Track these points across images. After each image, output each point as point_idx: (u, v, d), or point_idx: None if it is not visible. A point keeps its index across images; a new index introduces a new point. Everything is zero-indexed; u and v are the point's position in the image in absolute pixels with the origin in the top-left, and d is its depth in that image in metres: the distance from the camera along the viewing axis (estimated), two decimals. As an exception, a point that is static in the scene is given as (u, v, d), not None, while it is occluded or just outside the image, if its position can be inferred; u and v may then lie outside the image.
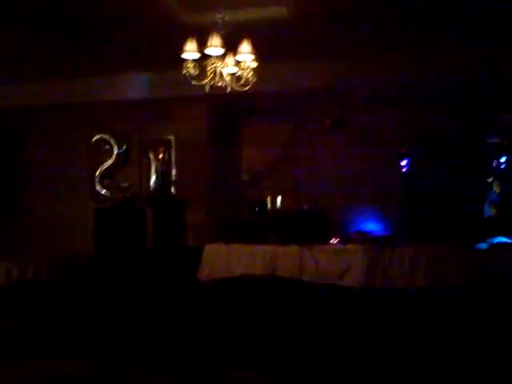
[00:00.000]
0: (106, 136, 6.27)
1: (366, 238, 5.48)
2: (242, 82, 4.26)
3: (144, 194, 6.31)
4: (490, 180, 6.60)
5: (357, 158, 6.41)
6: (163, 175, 6.48)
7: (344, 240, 5.53)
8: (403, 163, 6.49)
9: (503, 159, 6.71)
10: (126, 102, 6.46)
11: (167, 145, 6.52)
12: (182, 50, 4.18)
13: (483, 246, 5.21)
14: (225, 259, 5.61)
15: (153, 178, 6.40)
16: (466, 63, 5.88)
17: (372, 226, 5.85)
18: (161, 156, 6.50)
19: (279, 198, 6.15)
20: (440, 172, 6.24)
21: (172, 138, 6.58)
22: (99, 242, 5.91)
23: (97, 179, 6.22)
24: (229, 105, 6.35)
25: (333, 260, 5.35)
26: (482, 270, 4.94)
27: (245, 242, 5.63)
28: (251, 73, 4.20)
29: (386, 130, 6.46)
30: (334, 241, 5.53)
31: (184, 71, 4.13)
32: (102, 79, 6.21)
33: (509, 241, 5.17)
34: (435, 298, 4.99)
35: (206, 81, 4.17)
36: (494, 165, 6.64)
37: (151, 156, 6.46)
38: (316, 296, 5.34)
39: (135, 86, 6.19)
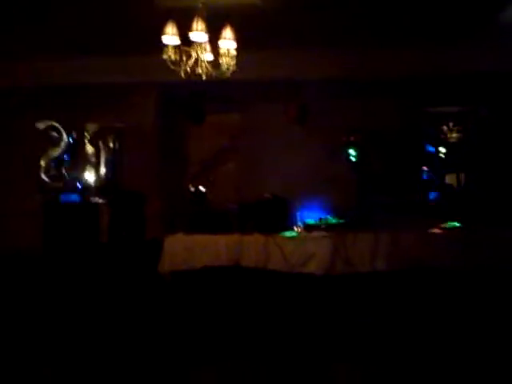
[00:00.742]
0: (54, 123, 5.85)
1: (327, 225, 5.63)
2: (223, 69, 4.21)
3: (96, 185, 5.99)
4: (429, 168, 7.17)
5: (312, 147, 6.57)
6: (113, 165, 6.18)
7: (306, 228, 5.66)
8: (353, 152, 6.78)
9: (442, 149, 7.27)
10: (77, 87, 6.11)
11: (118, 133, 6.21)
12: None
13: (436, 230, 5.60)
14: (187, 251, 5.47)
15: (103, 169, 6.07)
16: (408, 59, 6.27)
17: (329, 214, 6.03)
18: (111, 145, 6.19)
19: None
20: (386, 160, 6.61)
21: (123, 126, 6.27)
22: (49, 236, 5.54)
23: (43, 169, 5.80)
24: (180, 95, 6.21)
25: (297, 248, 5.49)
26: (438, 254, 5.37)
27: (207, 232, 5.59)
28: (233, 60, 4.16)
29: (337, 120, 6.66)
30: (298, 229, 5.64)
31: (164, 56, 4.00)
32: (55, 62, 5.79)
33: (458, 225, 5.59)
34: (395, 281, 5.33)
35: (186, 67, 4.07)
36: (434, 153, 7.23)
37: (101, 145, 6.13)
38: (280, 284, 5.45)
39: (87, 70, 5.86)
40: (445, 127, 7.54)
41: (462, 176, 7.22)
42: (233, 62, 4.23)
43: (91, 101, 6.27)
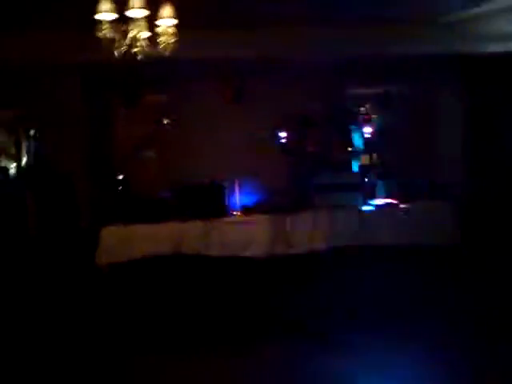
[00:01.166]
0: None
1: (267, 208, 5.63)
2: (161, 48, 4.01)
3: (21, 174, 5.50)
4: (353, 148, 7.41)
5: (249, 129, 6.49)
6: (37, 152, 5.71)
7: (245, 212, 5.62)
8: (283, 134, 6.81)
9: (367, 129, 7.52)
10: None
11: (39, 118, 5.73)
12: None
13: (371, 207, 5.82)
14: (124, 242, 5.26)
15: (26, 156, 5.59)
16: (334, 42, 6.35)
17: (267, 196, 6.05)
18: (32, 132, 5.71)
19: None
20: (318, 141, 6.73)
21: (45, 110, 5.79)
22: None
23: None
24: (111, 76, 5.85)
25: (237, 232, 5.46)
26: (372, 231, 5.58)
27: (144, 221, 5.38)
28: (172, 38, 3.98)
29: (272, 102, 6.64)
30: (236, 213, 5.59)
31: (99, 34, 3.73)
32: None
33: (393, 202, 5.85)
34: (334, 260, 5.47)
35: (122, 46, 3.83)
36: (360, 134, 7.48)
37: (21, 131, 5.63)
38: (222, 269, 5.39)
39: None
40: (366, 108, 7.86)
41: (374, 156, 7.58)
42: (172, 41, 4.06)
43: (8, 83, 5.73)
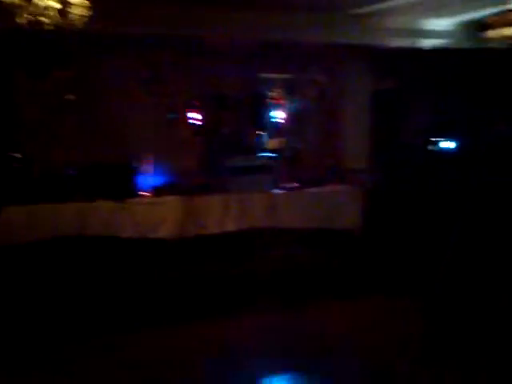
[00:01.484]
0: None
1: (178, 189, 5.55)
2: (72, 18, 3.79)
3: None
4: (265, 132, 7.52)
5: (160, 109, 6.31)
6: None
7: (156, 192, 5.51)
8: (197, 115, 6.72)
9: (279, 114, 7.64)
10: None
11: None
12: None
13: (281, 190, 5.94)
14: (26, 223, 4.97)
15: None
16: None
17: (178, 178, 5.96)
18: None
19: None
20: (231, 124, 6.73)
21: None
22: None
23: None
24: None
25: (147, 213, 5.37)
26: (281, 214, 5.74)
27: (47, 201, 5.09)
28: (84, 10, 3.77)
29: (185, 82, 6.51)
30: (147, 194, 5.46)
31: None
32: None
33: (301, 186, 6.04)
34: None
35: (29, 13, 3.58)
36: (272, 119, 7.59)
37: None
38: (130, 251, 5.27)
39: None
40: (277, 93, 8.01)
41: (284, 140, 7.78)
42: (84, 12, 3.85)
43: None
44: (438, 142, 6.28)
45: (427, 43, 6.76)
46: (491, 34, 5.12)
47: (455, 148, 6.21)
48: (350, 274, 5.41)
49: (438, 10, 6.34)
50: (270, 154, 6.71)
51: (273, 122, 7.50)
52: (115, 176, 5.29)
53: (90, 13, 3.96)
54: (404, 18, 6.50)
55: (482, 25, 5.17)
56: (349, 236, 5.62)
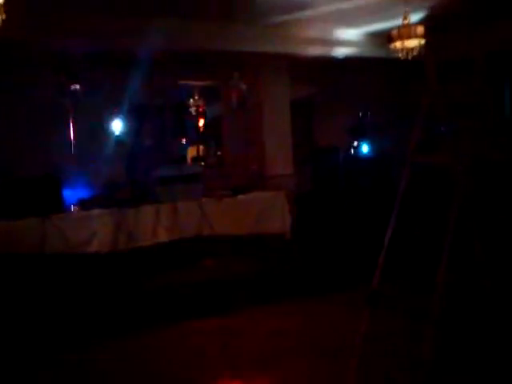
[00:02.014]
0: None
1: (105, 201, 5.44)
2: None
3: None
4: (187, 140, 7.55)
5: (82, 120, 6.12)
6: None
7: (84, 206, 5.36)
8: (119, 125, 6.59)
9: (201, 122, 7.70)
10: None
11: None
12: None
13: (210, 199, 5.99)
14: None
15: None
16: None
17: (105, 189, 5.81)
18: None
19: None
20: (155, 133, 6.71)
21: None
22: None
23: None
24: None
25: (77, 228, 5.20)
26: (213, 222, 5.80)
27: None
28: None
29: (106, 92, 6.37)
30: (74, 208, 5.29)
31: None
32: None
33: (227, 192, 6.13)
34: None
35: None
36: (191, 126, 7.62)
37: None
38: (60, 267, 5.08)
39: None
40: (196, 100, 8.10)
41: (202, 147, 7.89)
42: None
43: None
44: (358, 145, 6.72)
45: (340, 52, 7.20)
46: (397, 45, 5.57)
47: (372, 150, 6.68)
48: (283, 278, 5.58)
49: (347, 21, 6.78)
50: (196, 162, 6.79)
51: (194, 129, 7.58)
52: (40, 189, 5.08)
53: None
54: (316, 28, 6.86)
55: (388, 36, 5.58)
56: (279, 240, 5.82)
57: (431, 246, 2.81)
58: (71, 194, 5.48)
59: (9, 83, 5.70)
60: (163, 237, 5.51)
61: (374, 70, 7.35)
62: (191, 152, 8.01)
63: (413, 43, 5.41)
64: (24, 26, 4.37)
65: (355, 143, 6.92)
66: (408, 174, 2.51)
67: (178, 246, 5.52)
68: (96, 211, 5.32)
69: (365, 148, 6.78)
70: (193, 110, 7.71)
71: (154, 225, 5.48)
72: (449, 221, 2.46)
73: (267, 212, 5.99)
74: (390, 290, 2.73)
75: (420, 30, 5.23)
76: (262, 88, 7.30)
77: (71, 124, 5.95)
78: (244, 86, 7.37)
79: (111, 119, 6.59)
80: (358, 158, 6.70)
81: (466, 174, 2.48)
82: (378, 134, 6.77)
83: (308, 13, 6.25)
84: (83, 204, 5.43)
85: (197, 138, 7.61)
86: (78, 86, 5.73)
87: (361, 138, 7.00)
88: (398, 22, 5.56)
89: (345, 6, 5.99)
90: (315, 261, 5.62)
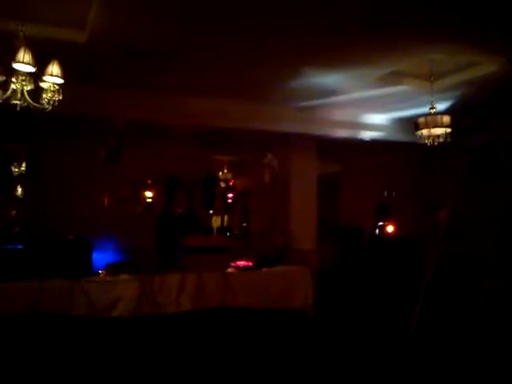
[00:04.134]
0: None
1: (135, 267, 5.55)
2: (44, 102, 3.95)
3: None
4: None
5: (116, 189, 6.41)
6: None
7: (111, 271, 5.48)
8: (150, 194, 6.84)
9: (230, 194, 7.94)
10: None
11: None
12: None
13: (232, 270, 6.05)
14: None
15: None
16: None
17: (133, 255, 5.96)
18: None
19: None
20: (186, 203, 6.91)
21: None
22: None
23: None
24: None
25: (103, 292, 5.30)
26: (236, 293, 5.81)
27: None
28: (56, 95, 3.95)
29: (140, 163, 6.67)
30: (102, 272, 5.42)
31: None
32: None
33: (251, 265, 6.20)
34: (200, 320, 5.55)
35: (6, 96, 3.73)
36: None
37: None
38: (85, 330, 5.13)
39: None
40: (229, 174, 8.36)
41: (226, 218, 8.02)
42: (56, 97, 4.03)
43: None
44: (383, 226, 6.79)
45: (366, 135, 7.47)
46: (424, 132, 5.75)
47: (396, 231, 6.74)
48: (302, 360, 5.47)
49: (374, 107, 7.08)
50: (224, 233, 6.93)
51: (223, 201, 7.81)
52: (70, 252, 5.26)
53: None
54: (345, 112, 7.18)
55: (415, 124, 5.78)
56: (301, 317, 5.76)
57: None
58: (100, 258, 5.63)
59: (53, 147, 6.07)
60: (186, 305, 5.57)
61: (399, 151, 7.55)
62: (216, 222, 8.18)
63: (439, 131, 5.58)
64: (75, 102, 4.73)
65: (380, 223, 7.01)
66: (435, 259, 2.58)
67: (200, 315, 5.54)
68: (121, 277, 5.44)
69: (390, 228, 6.86)
70: (222, 183, 7.97)
71: (178, 293, 5.56)
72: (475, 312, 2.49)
73: (290, 287, 6.01)
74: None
75: (446, 119, 5.43)
76: (291, 165, 7.56)
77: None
78: (276, 164, 7.63)
79: (144, 188, 6.86)
80: (383, 238, 6.75)
81: (491, 263, 2.53)
82: (403, 214, 6.87)
83: (337, 98, 6.61)
84: (111, 268, 5.57)
85: (224, 209, 7.81)
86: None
87: (386, 217, 7.09)
88: (425, 109, 5.83)
89: (372, 93, 6.35)
90: (336, 340, 5.53)
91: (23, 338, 4.79)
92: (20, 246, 5.52)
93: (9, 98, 3.88)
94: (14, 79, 3.78)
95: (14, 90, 3.84)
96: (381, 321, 5.51)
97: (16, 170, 6.52)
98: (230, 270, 6.11)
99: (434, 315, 3.12)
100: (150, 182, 6.86)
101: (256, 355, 5.33)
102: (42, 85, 4.00)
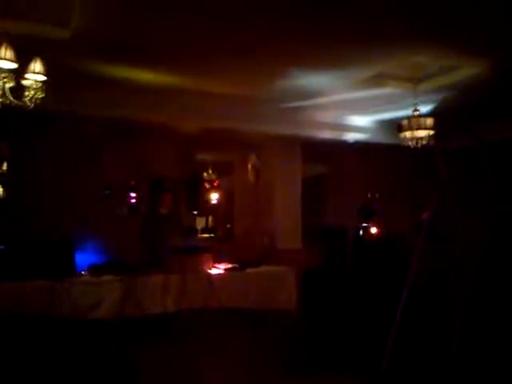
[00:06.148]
0: None
1: (118, 267, 5.51)
2: (27, 99, 3.90)
3: None
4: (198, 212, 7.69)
5: (98, 189, 6.35)
6: None
7: (95, 272, 5.43)
8: (133, 195, 6.79)
9: (214, 195, 7.90)
10: None
11: None
12: None
13: (218, 271, 6.05)
14: None
15: None
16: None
17: (116, 256, 5.90)
18: None
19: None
20: (171, 204, 6.86)
21: None
22: None
23: None
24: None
25: (86, 293, 5.26)
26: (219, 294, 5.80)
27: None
28: (39, 93, 3.90)
29: (126, 163, 6.60)
30: (85, 273, 5.37)
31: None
32: None
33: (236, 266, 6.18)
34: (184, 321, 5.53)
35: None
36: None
37: None
38: (66, 331, 5.07)
39: None
40: (210, 174, 8.33)
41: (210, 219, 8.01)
42: (39, 95, 3.98)
43: None
44: (366, 226, 6.85)
45: (350, 136, 7.51)
46: (407, 134, 5.79)
47: (380, 231, 6.80)
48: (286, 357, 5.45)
49: (358, 109, 7.13)
50: (206, 234, 6.91)
51: (207, 202, 7.78)
52: (53, 252, 5.19)
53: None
54: (329, 114, 7.21)
55: (398, 126, 5.82)
56: (286, 316, 5.78)
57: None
58: (83, 259, 5.57)
59: (35, 146, 6.00)
60: (171, 306, 5.55)
61: (383, 152, 7.60)
62: (200, 223, 8.16)
63: (422, 133, 5.60)
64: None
65: (364, 224, 7.06)
66: (417, 259, 2.61)
67: (184, 316, 5.52)
68: (105, 277, 5.42)
69: (373, 229, 6.92)
70: (206, 184, 7.95)
71: (162, 294, 5.54)
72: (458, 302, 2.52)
73: (275, 287, 6.03)
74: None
75: (429, 121, 5.47)
76: (275, 166, 7.57)
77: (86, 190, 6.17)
78: (260, 165, 7.63)
79: (127, 188, 6.80)
80: (367, 238, 6.81)
81: (474, 262, 2.57)
82: (386, 215, 6.93)
83: (321, 100, 6.63)
84: (95, 270, 5.51)
85: (208, 210, 7.80)
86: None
87: (369, 218, 7.14)
88: (408, 112, 5.86)
89: (356, 95, 6.37)
90: (321, 340, 5.55)
91: (4, 339, 4.75)
92: (1, 247, 5.43)
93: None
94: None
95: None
96: (365, 320, 5.53)
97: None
98: (214, 270, 6.13)
99: (416, 315, 3.15)
100: (133, 182, 6.81)
101: (233, 356, 5.26)
102: (25, 82, 3.97)
